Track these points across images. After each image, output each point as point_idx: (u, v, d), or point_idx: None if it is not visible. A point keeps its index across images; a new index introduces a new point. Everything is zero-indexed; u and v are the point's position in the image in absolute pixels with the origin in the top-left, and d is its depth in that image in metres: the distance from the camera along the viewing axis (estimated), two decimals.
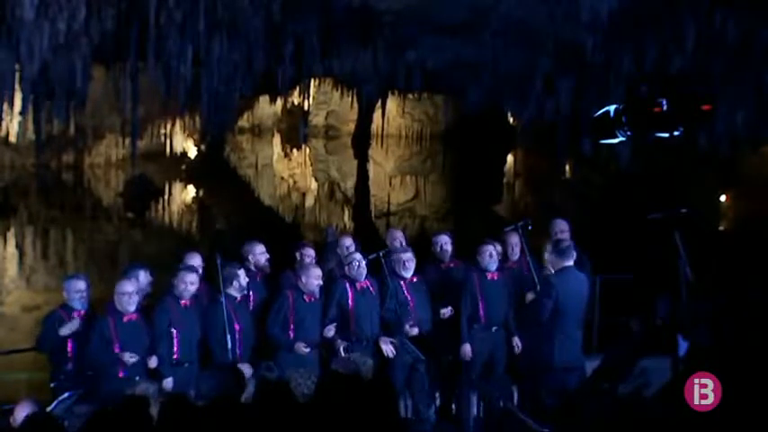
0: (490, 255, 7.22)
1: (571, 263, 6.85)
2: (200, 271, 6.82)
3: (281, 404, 4.46)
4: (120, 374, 6.22)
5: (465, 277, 7.27)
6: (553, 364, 6.77)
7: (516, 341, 7.24)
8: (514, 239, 7.51)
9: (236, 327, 6.53)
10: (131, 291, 6.37)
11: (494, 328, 7.21)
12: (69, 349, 6.38)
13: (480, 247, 7.27)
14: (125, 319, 6.33)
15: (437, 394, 7.30)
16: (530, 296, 7.30)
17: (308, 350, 6.71)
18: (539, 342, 6.91)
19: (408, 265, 7.17)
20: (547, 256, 7.06)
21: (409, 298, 7.14)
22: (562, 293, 6.73)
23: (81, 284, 6.55)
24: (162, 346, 6.41)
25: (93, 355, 6.24)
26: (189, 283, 6.53)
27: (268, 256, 7.20)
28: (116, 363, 6.23)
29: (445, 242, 7.50)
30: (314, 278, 6.84)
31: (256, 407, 4.48)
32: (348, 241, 7.51)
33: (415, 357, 6.96)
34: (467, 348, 7.14)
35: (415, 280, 7.20)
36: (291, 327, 6.74)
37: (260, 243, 7.24)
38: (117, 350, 6.24)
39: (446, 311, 7.20)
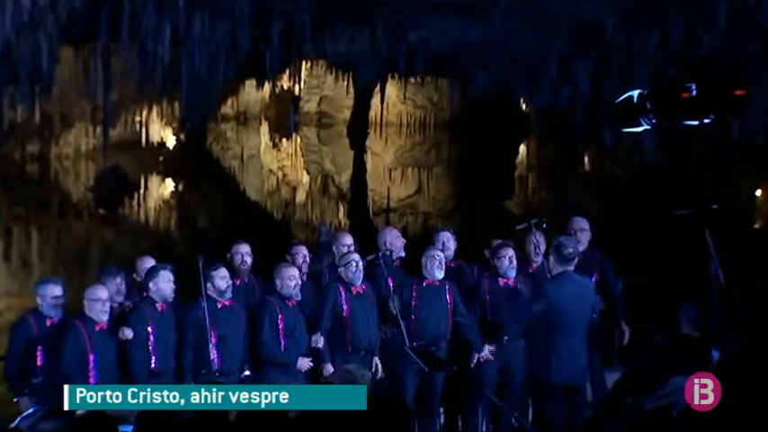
0: (510, 259, 7.14)
1: (571, 268, 6.71)
2: None
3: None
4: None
5: (476, 283, 7.26)
6: (550, 381, 6.67)
7: None
8: (538, 239, 7.35)
9: (216, 334, 6.51)
10: (104, 297, 6.38)
11: (505, 339, 7.15)
12: (39, 361, 6.38)
13: (499, 251, 7.18)
14: (97, 327, 6.34)
15: (441, 409, 7.29)
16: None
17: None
18: (536, 357, 6.81)
19: (442, 264, 7.12)
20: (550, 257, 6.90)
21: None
22: (555, 302, 6.57)
23: (58, 289, 6.53)
24: (138, 355, 6.42)
25: (67, 366, 6.26)
26: (171, 282, 6.54)
27: (243, 255, 7.14)
28: (88, 375, 6.23)
29: (447, 239, 7.45)
30: (287, 279, 6.77)
31: (246, 422, 4.48)
32: (348, 239, 7.43)
33: (419, 369, 6.94)
34: (487, 350, 7.08)
35: (437, 283, 7.16)
36: (282, 336, 6.72)
37: (243, 242, 7.22)
38: (92, 361, 6.27)
39: None
